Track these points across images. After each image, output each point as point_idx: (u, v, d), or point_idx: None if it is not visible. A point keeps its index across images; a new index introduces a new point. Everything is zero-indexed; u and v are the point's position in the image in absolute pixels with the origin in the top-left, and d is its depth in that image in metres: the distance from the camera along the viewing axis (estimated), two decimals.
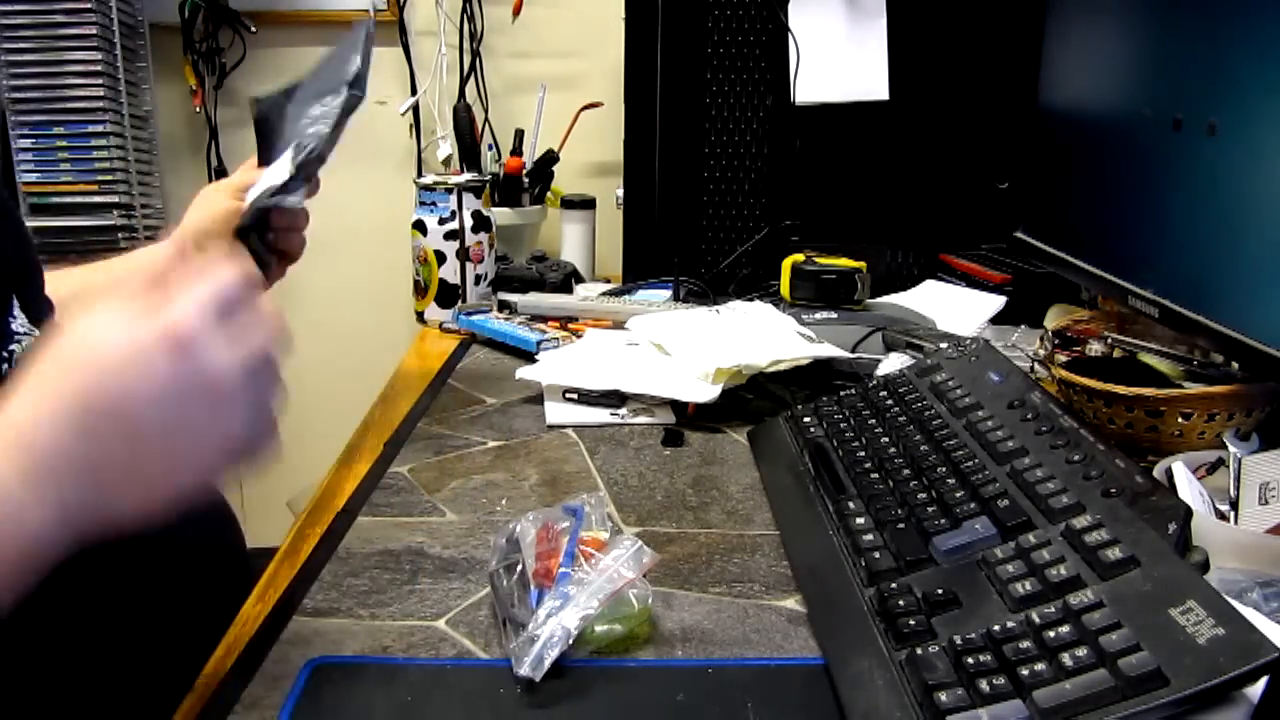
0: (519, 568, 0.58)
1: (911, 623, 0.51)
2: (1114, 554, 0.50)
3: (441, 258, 1.32)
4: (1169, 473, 0.68)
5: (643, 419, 0.93)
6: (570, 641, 0.52)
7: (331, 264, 1.86)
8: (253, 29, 1.71)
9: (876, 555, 0.59)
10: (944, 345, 0.90)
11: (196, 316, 0.42)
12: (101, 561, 0.65)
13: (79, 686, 0.64)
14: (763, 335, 1.01)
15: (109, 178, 1.58)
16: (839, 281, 1.15)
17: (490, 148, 1.72)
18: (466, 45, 1.75)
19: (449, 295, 1.33)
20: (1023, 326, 1.16)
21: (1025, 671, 0.45)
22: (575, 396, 0.96)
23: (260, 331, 0.44)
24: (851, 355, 1.00)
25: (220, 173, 1.80)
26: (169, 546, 0.71)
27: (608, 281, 1.49)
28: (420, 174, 1.76)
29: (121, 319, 0.42)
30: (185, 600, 0.71)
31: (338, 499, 0.77)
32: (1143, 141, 0.85)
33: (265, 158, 0.82)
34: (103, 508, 0.42)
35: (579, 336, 1.16)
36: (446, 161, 1.77)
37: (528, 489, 0.78)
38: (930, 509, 0.61)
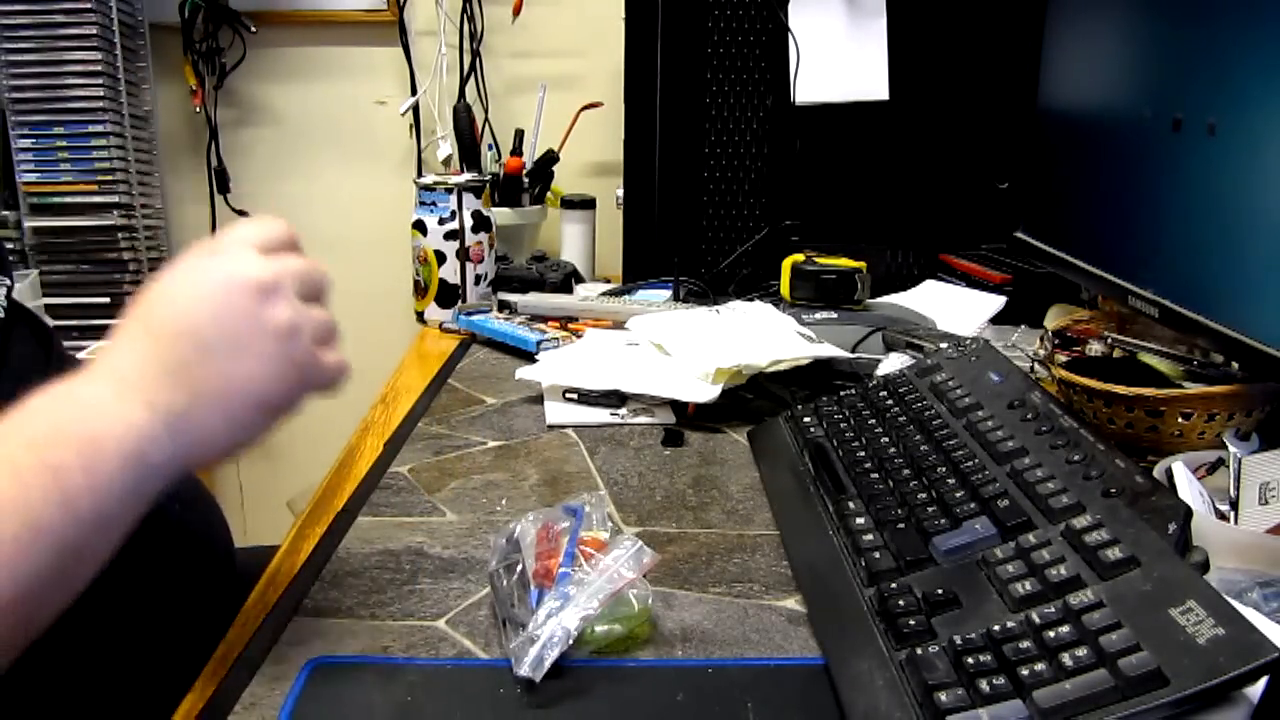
0: (519, 568, 0.58)
1: (911, 623, 0.51)
2: (1114, 554, 0.50)
3: (441, 258, 1.32)
4: (1169, 473, 0.68)
5: (643, 419, 0.93)
6: (570, 642, 0.52)
7: (331, 264, 1.84)
8: (253, 29, 1.71)
9: (876, 555, 0.59)
10: (944, 345, 0.89)
11: (229, 242, 0.50)
12: None
13: (78, 686, 0.64)
14: (763, 335, 1.01)
15: (109, 178, 1.58)
16: (839, 281, 1.15)
17: (490, 148, 1.72)
18: (466, 45, 1.75)
19: (449, 295, 1.33)
20: (1023, 326, 1.16)
21: (1025, 671, 0.45)
22: (575, 396, 0.96)
23: (294, 258, 0.52)
24: (851, 355, 1.00)
25: (220, 173, 1.80)
26: (155, 525, 0.71)
27: (608, 281, 1.49)
28: (420, 174, 1.76)
29: (172, 268, 0.50)
30: (174, 583, 0.71)
31: (338, 499, 0.77)
32: (1143, 141, 0.85)
33: None
34: (191, 415, 0.47)
35: (579, 336, 1.16)
36: (446, 161, 1.77)
37: (528, 489, 0.78)
38: (930, 509, 0.61)
